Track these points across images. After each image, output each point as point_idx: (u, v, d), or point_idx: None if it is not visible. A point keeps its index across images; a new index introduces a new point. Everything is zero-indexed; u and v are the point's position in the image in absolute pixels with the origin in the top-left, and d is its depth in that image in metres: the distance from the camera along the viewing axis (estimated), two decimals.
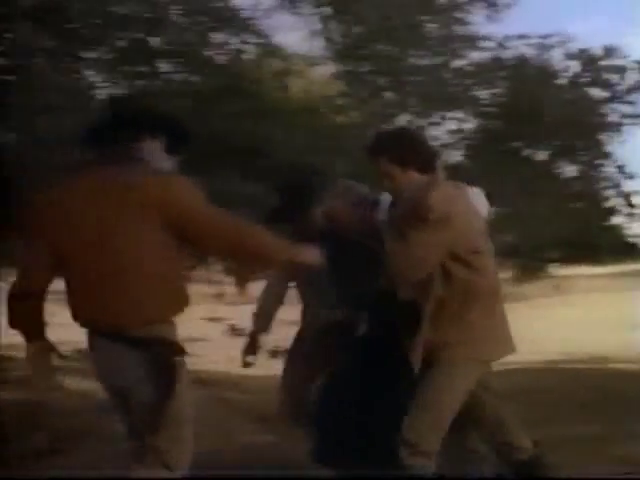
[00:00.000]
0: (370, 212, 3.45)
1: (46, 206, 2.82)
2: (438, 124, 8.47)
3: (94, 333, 2.88)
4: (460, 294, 3.23)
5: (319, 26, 7.26)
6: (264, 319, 4.33)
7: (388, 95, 8.01)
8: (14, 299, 2.88)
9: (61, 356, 2.99)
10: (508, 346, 3.45)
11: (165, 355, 2.81)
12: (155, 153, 2.89)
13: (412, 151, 3.21)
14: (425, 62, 7.72)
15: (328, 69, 7.54)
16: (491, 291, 3.33)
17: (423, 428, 3.26)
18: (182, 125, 3.04)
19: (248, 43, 6.40)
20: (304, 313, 4.27)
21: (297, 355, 4.22)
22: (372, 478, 3.49)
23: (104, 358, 2.85)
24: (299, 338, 4.26)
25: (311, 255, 3.00)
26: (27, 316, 2.89)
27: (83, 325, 2.90)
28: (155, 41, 6.35)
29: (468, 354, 3.27)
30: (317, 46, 7.37)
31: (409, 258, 3.14)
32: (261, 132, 6.15)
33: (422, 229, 3.07)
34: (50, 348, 2.96)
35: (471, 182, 3.52)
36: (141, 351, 2.80)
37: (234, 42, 6.38)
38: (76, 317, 2.88)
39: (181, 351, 2.89)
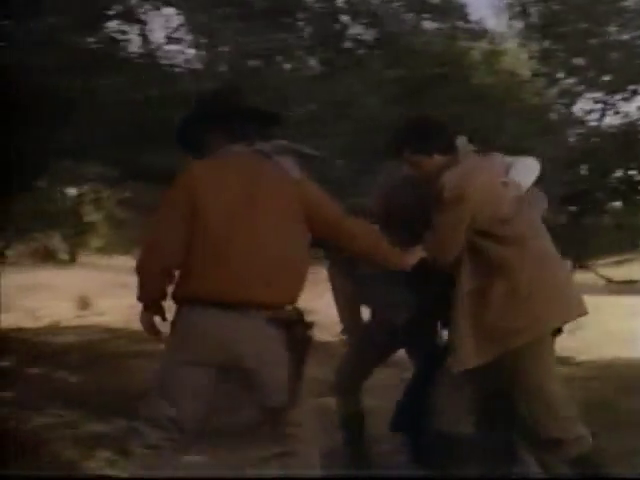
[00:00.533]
0: (417, 190, 3.37)
1: (193, 182, 2.87)
2: (629, 99, 8.22)
3: (214, 308, 2.84)
4: (503, 272, 3.13)
5: (517, 6, 7.13)
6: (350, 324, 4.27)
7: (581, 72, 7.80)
8: (147, 273, 2.91)
9: (165, 319, 3.02)
10: (575, 307, 3.28)
11: (302, 332, 2.95)
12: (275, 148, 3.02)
13: (433, 137, 3.26)
14: (623, 37, 7.46)
15: (526, 49, 7.41)
16: (538, 256, 3.19)
17: (559, 420, 3.16)
18: (265, 111, 3.12)
19: (457, 28, 6.35)
20: (373, 313, 4.22)
21: (359, 349, 4.18)
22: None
23: (222, 334, 2.85)
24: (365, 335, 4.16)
25: (413, 259, 3.21)
26: (155, 291, 2.92)
27: (204, 298, 2.85)
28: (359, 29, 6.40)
29: (536, 332, 3.16)
30: (514, 26, 7.24)
31: (435, 241, 3.18)
32: (472, 117, 6.11)
33: (441, 210, 3.12)
34: (160, 312, 2.99)
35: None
36: (280, 329, 2.89)
37: (444, 28, 6.33)
38: (197, 289, 2.85)
39: (311, 326, 3.02)
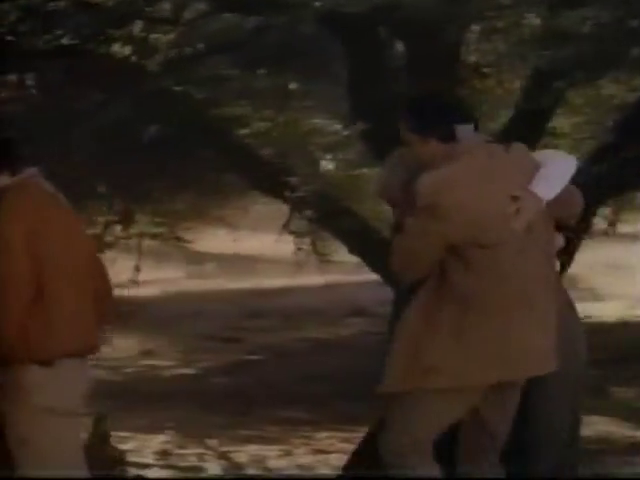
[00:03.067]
0: None
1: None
2: None
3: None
4: (456, 302, 2.73)
5: None
6: None
7: None
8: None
9: None
10: (521, 367, 2.79)
11: None
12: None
13: (427, 117, 2.86)
14: None
15: None
16: (506, 300, 2.74)
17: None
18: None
19: None
20: None
21: None
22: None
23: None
24: None
25: None
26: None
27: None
28: None
29: (454, 380, 2.75)
30: None
31: (399, 249, 2.84)
32: None
33: (415, 215, 2.75)
34: None
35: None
36: None
37: None
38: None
39: None
